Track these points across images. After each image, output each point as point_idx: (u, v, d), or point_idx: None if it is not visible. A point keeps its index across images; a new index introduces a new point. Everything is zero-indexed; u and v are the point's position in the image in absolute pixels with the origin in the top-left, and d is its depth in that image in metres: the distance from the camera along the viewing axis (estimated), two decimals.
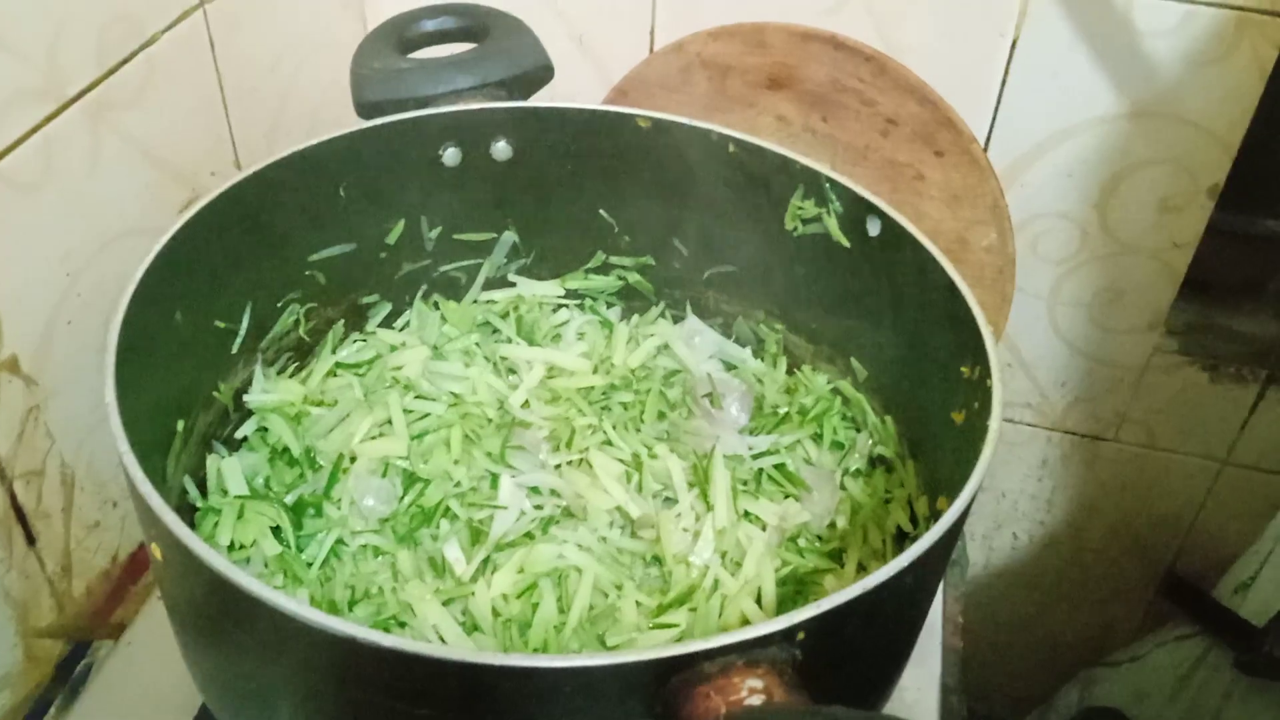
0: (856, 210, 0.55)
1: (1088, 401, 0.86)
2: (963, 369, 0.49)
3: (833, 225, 0.56)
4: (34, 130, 0.52)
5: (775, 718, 0.34)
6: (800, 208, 0.57)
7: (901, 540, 0.55)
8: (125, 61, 0.57)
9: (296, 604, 0.33)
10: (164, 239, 0.47)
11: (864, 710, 0.42)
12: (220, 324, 0.53)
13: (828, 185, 0.55)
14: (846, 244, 0.56)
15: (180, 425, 0.50)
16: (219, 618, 0.37)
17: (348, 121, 0.57)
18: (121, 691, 0.58)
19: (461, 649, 0.47)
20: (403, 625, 0.49)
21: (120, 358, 0.42)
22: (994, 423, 0.44)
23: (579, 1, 0.77)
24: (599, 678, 0.34)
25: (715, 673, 0.34)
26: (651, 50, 0.78)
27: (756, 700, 0.34)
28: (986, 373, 0.46)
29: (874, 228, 0.54)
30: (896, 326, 0.55)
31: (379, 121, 0.56)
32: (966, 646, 0.66)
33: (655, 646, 0.34)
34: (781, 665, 0.35)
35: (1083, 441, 0.89)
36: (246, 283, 0.54)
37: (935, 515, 0.52)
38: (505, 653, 0.47)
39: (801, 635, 0.35)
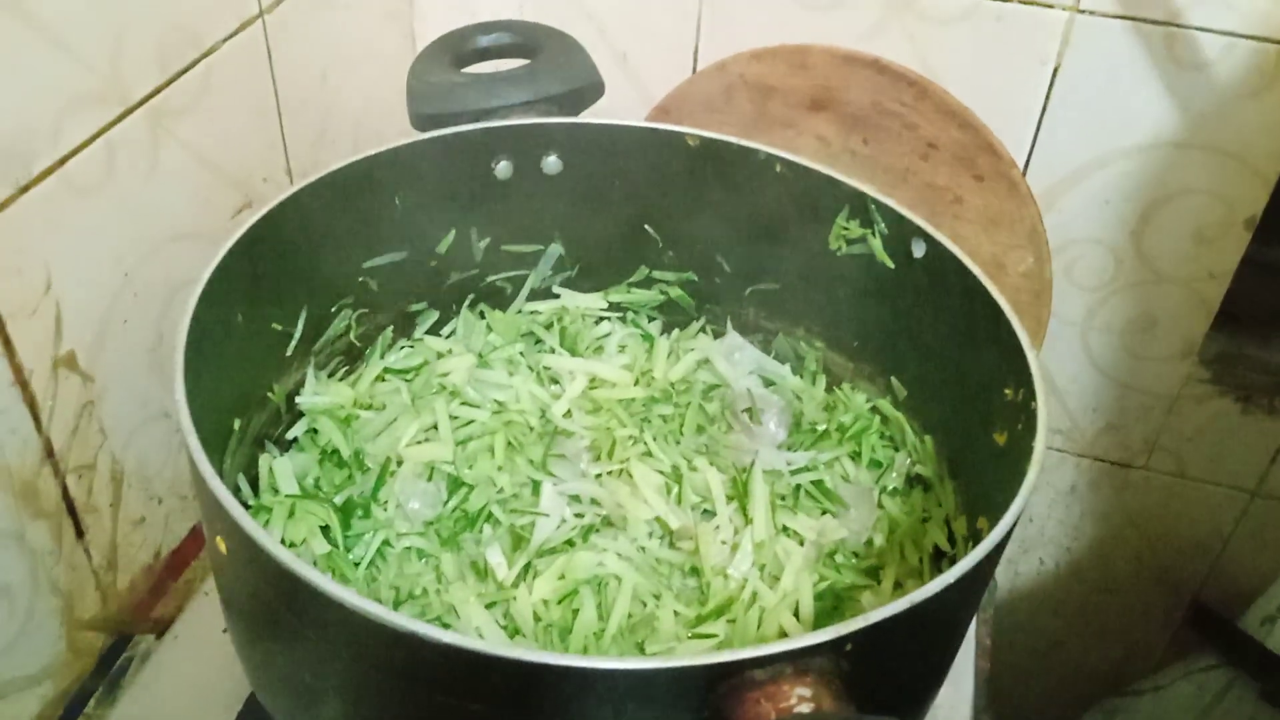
0: (902, 232, 0.55)
1: (1118, 428, 0.86)
2: (1005, 391, 0.49)
3: (877, 246, 0.57)
4: (97, 135, 0.53)
5: None
6: (845, 228, 0.58)
7: (938, 559, 0.55)
8: (187, 69, 0.59)
9: (362, 599, 0.34)
10: (229, 243, 0.48)
11: None
12: (277, 327, 0.55)
13: (873, 206, 0.56)
14: (890, 265, 0.57)
15: (236, 424, 0.51)
16: (281, 611, 0.38)
17: (391, 132, 0.59)
18: (163, 685, 0.59)
19: (519, 647, 0.47)
20: (446, 627, 0.50)
21: (188, 357, 0.43)
22: (1039, 444, 0.44)
23: (623, 20, 0.79)
24: (652, 681, 0.35)
25: (765, 680, 0.35)
26: (694, 70, 0.79)
27: (805, 708, 0.34)
28: (1031, 395, 0.46)
29: (919, 250, 0.55)
30: (938, 347, 0.56)
31: (435, 134, 0.58)
32: (991, 670, 0.66)
33: (708, 652, 0.35)
34: (829, 675, 0.36)
35: (1112, 468, 0.89)
36: (303, 287, 0.55)
37: (974, 535, 0.52)
38: (562, 653, 0.47)
39: (849, 647, 0.36)
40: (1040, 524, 0.94)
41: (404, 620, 0.34)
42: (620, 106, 0.80)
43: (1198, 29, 0.68)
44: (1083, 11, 0.69)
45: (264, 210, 0.50)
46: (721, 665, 0.35)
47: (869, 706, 0.35)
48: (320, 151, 0.73)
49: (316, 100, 0.72)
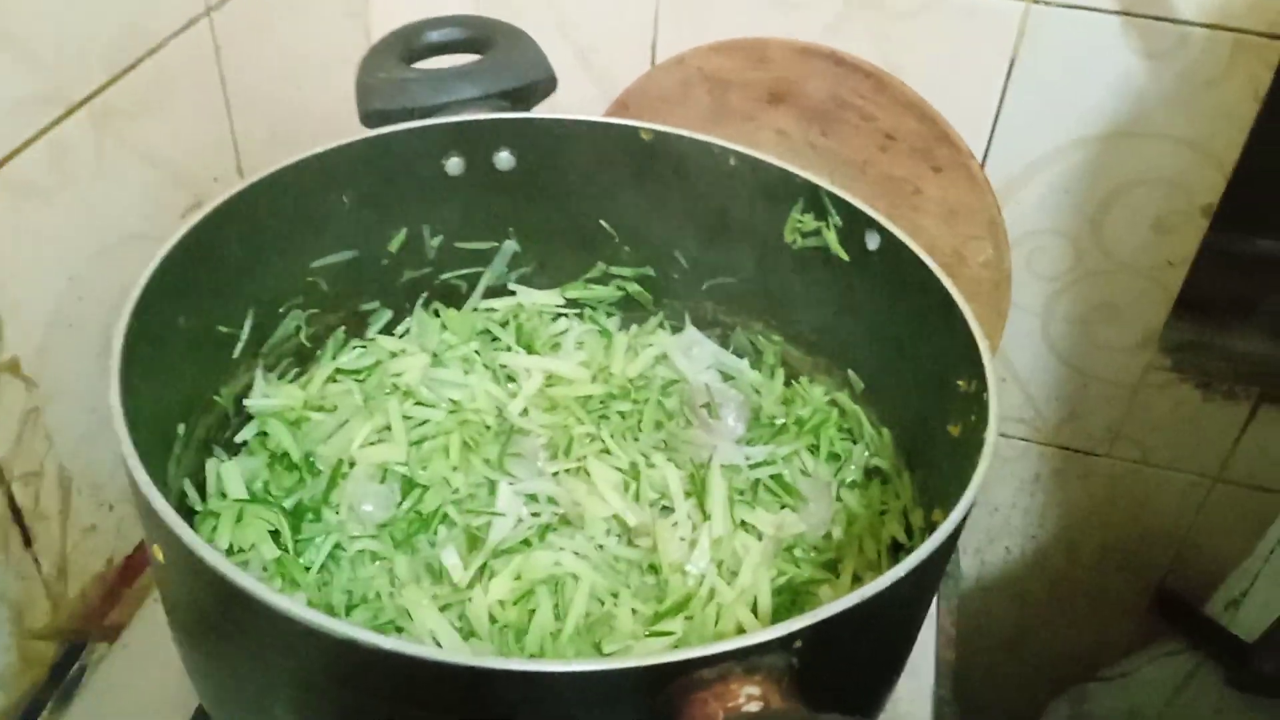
0: (856, 224, 0.55)
1: (1081, 417, 0.87)
2: (959, 382, 0.49)
3: (832, 239, 0.57)
4: (40, 134, 0.52)
5: None
6: (800, 221, 0.58)
7: (896, 552, 0.55)
8: (132, 68, 0.58)
9: (299, 606, 0.34)
10: (169, 244, 0.47)
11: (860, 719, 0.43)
12: (223, 329, 0.54)
13: (827, 199, 0.56)
14: (845, 257, 0.56)
15: (181, 429, 0.50)
16: (220, 620, 0.38)
17: (347, 129, 0.58)
18: (116, 693, 0.58)
19: (462, 652, 0.47)
20: (400, 630, 0.49)
21: (124, 361, 0.42)
22: (990, 436, 0.44)
23: (581, 15, 0.78)
24: (598, 683, 0.34)
25: (713, 679, 0.35)
26: (653, 64, 0.79)
27: (754, 707, 0.34)
28: (983, 387, 0.46)
29: (873, 242, 0.55)
30: (894, 339, 0.56)
31: (384, 130, 0.57)
32: (958, 660, 0.67)
33: (654, 653, 0.34)
34: (778, 673, 0.35)
35: (1075, 456, 0.89)
36: (249, 288, 0.54)
37: (931, 527, 0.52)
38: (505, 657, 0.47)
39: (798, 644, 0.36)
40: (1006, 513, 0.95)
41: (343, 626, 0.34)
42: (580, 101, 0.80)
43: (1153, 18, 0.68)
44: (1038, 2, 0.69)
45: (206, 210, 0.49)
46: (668, 665, 0.34)
47: (822, 703, 0.35)
48: (273, 150, 0.72)
49: (268, 98, 0.71)
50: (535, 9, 0.78)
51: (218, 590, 0.35)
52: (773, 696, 0.35)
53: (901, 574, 0.38)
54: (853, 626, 0.37)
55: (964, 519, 0.41)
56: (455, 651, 0.46)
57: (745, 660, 0.35)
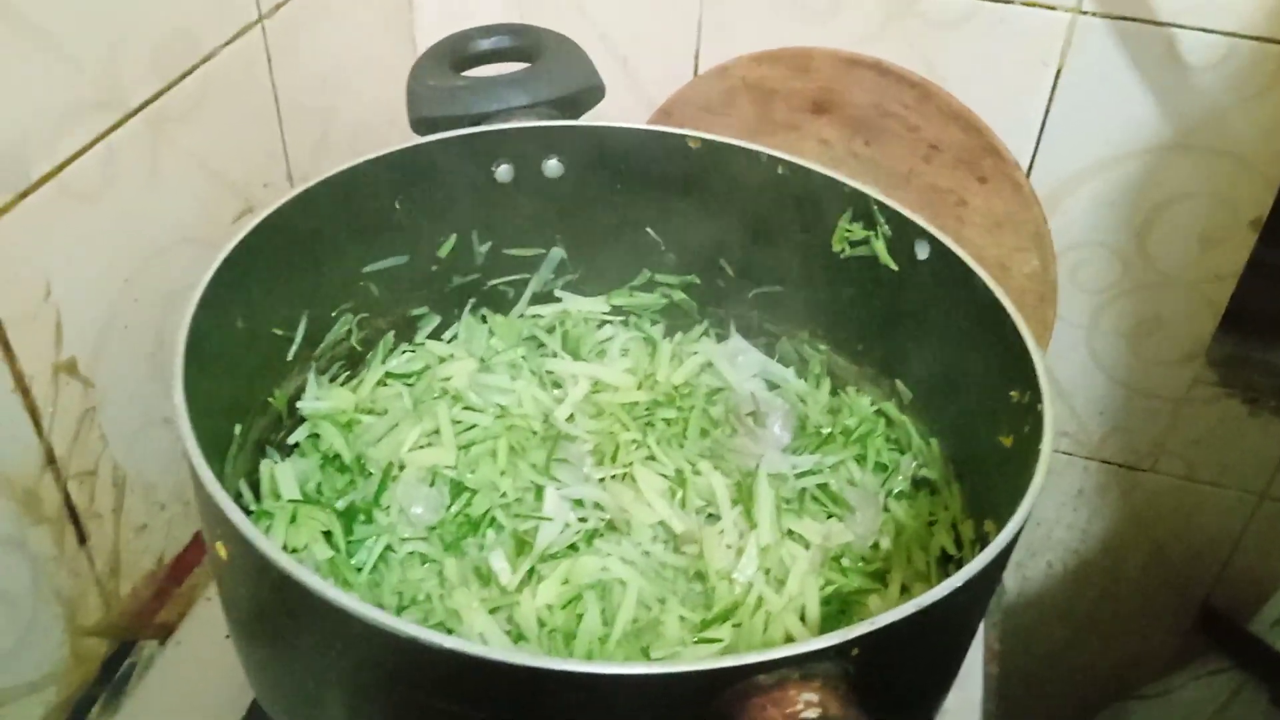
0: (905, 234, 0.55)
1: (1126, 431, 0.86)
2: (1011, 393, 0.49)
3: (880, 248, 0.57)
4: (95, 141, 0.53)
5: None
6: (848, 230, 0.58)
7: (945, 563, 0.55)
8: (185, 75, 0.59)
9: (361, 604, 0.34)
10: (228, 247, 0.48)
11: None
12: (277, 331, 0.54)
13: (876, 208, 0.56)
14: (894, 267, 0.56)
15: (237, 429, 0.51)
16: (280, 616, 0.38)
17: (392, 136, 0.58)
18: (166, 692, 0.59)
19: (521, 652, 0.47)
20: (449, 632, 0.49)
21: (187, 361, 0.42)
22: (1046, 447, 0.44)
23: (624, 24, 0.79)
24: (657, 686, 0.34)
25: (771, 685, 0.34)
26: (696, 73, 0.79)
27: (812, 714, 0.34)
28: (1037, 397, 0.46)
29: (922, 251, 0.54)
30: (943, 350, 0.56)
31: (435, 138, 0.57)
32: (1000, 674, 0.66)
33: (712, 658, 0.34)
34: (835, 680, 0.35)
35: (1120, 471, 0.88)
36: (303, 292, 0.55)
37: (980, 538, 0.52)
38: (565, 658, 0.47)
39: (855, 651, 0.36)
40: (1048, 528, 0.94)
41: (405, 625, 0.34)
42: (622, 110, 0.80)
43: (1200, 30, 0.67)
44: (1085, 13, 0.69)
45: (262, 215, 0.50)
46: (726, 670, 0.34)
47: (876, 711, 0.35)
48: (321, 156, 0.73)
49: (317, 105, 0.72)
50: (578, 19, 0.78)
51: (280, 587, 0.36)
52: (831, 704, 0.34)
53: (959, 583, 0.38)
54: (909, 635, 0.37)
55: (1021, 529, 0.41)
56: (515, 651, 0.47)
57: (803, 667, 0.35)
